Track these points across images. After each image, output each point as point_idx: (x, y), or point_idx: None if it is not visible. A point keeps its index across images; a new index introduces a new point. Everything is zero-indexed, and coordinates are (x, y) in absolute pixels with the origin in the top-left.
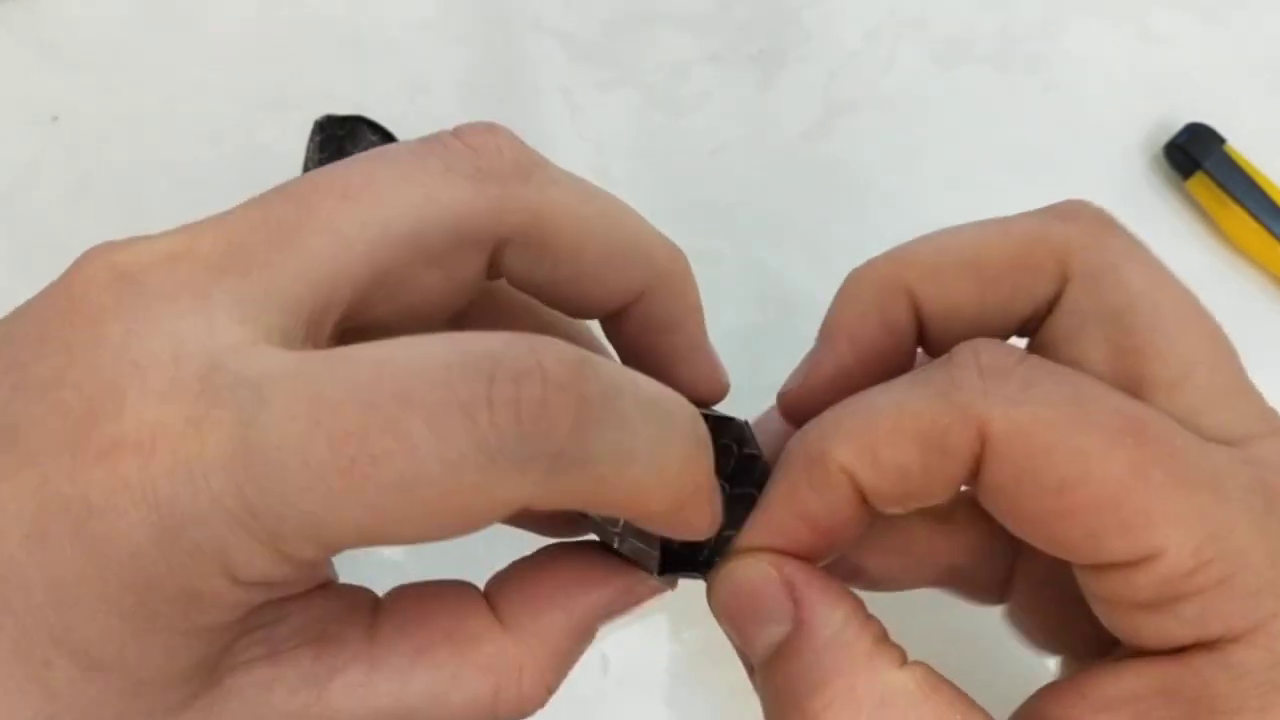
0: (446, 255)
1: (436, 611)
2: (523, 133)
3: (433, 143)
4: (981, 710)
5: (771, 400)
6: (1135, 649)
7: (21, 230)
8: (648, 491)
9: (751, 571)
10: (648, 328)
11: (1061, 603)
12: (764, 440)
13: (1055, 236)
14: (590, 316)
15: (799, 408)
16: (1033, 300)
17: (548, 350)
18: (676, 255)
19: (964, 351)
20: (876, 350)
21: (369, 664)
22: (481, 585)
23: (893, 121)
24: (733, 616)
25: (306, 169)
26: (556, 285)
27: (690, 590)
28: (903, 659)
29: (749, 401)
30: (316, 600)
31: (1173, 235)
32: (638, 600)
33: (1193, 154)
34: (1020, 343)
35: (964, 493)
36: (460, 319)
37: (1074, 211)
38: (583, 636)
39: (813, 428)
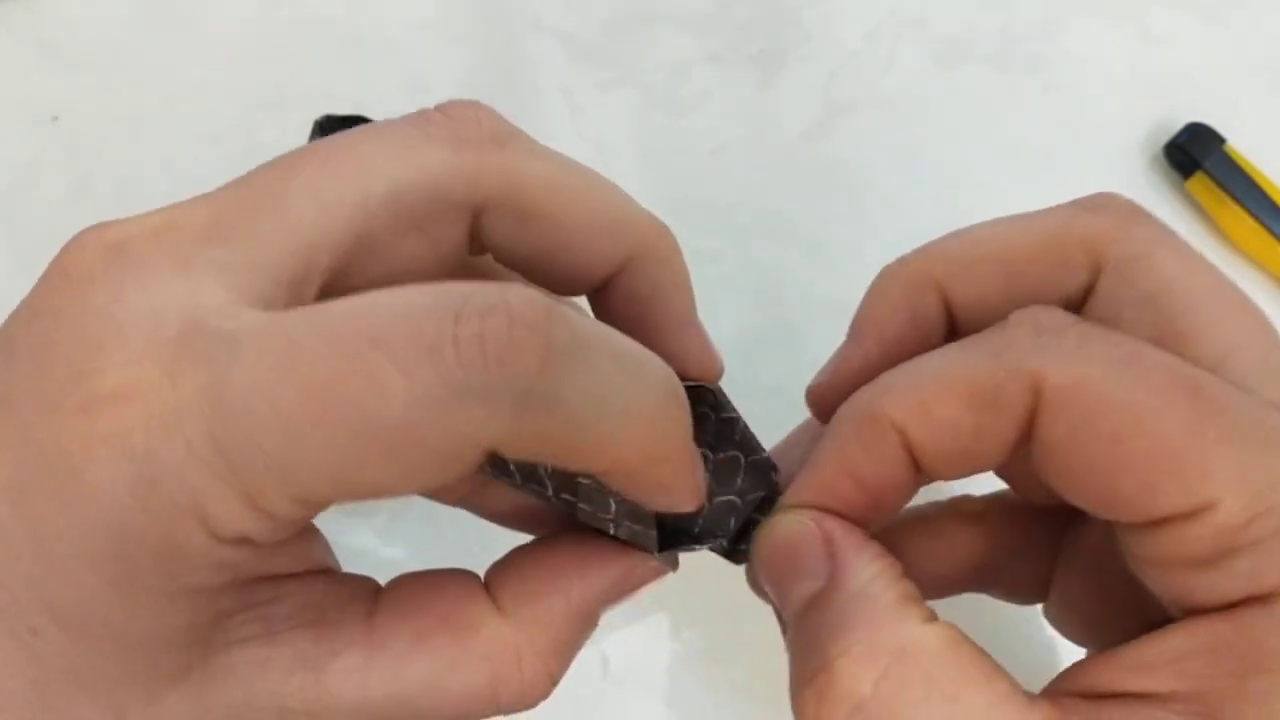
0: (427, 220)
1: (436, 599)
2: None
3: (413, 116)
4: (1005, 673)
5: (771, 400)
6: (1187, 610)
7: (21, 230)
8: (621, 440)
9: (792, 526)
10: (634, 301)
11: (1104, 596)
12: (793, 454)
13: (1085, 228)
14: (576, 292)
15: (827, 402)
16: (1063, 292)
17: (516, 292)
18: (661, 228)
19: (1018, 314)
20: (905, 345)
21: (367, 649)
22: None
23: (893, 121)
24: (772, 571)
25: None
26: (539, 256)
27: (690, 590)
28: (930, 617)
29: (749, 401)
30: (315, 584)
31: None
32: (640, 583)
33: (1193, 154)
34: None
35: (998, 494)
36: None
37: (1103, 203)
38: (584, 622)
39: (864, 391)
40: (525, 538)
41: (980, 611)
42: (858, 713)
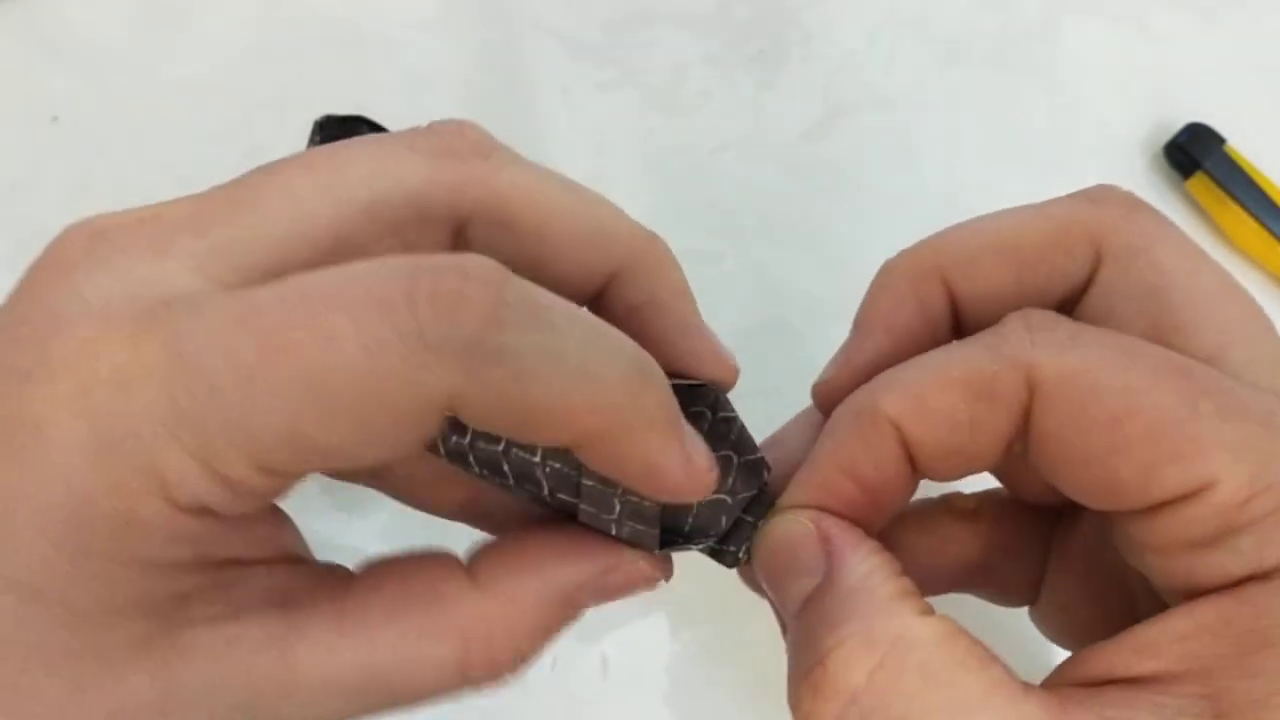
0: (407, 228)
1: (411, 575)
2: (523, 133)
3: (401, 131)
4: (1001, 662)
5: (771, 400)
6: (1189, 596)
7: (21, 230)
8: (581, 403)
9: (790, 526)
10: (631, 311)
11: (1094, 596)
12: (788, 446)
13: (1087, 218)
14: None
15: (834, 397)
16: (1067, 281)
17: (472, 257)
18: (651, 238)
19: (1011, 316)
20: (912, 338)
21: (337, 624)
22: None
23: (893, 121)
24: (771, 572)
25: None
26: (524, 268)
27: (690, 590)
28: (927, 610)
29: (749, 401)
30: (284, 570)
31: None
32: (627, 580)
33: (1193, 154)
34: None
35: (991, 491)
36: None
37: (1104, 195)
38: (561, 608)
39: (860, 390)
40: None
41: (975, 615)
42: (853, 704)
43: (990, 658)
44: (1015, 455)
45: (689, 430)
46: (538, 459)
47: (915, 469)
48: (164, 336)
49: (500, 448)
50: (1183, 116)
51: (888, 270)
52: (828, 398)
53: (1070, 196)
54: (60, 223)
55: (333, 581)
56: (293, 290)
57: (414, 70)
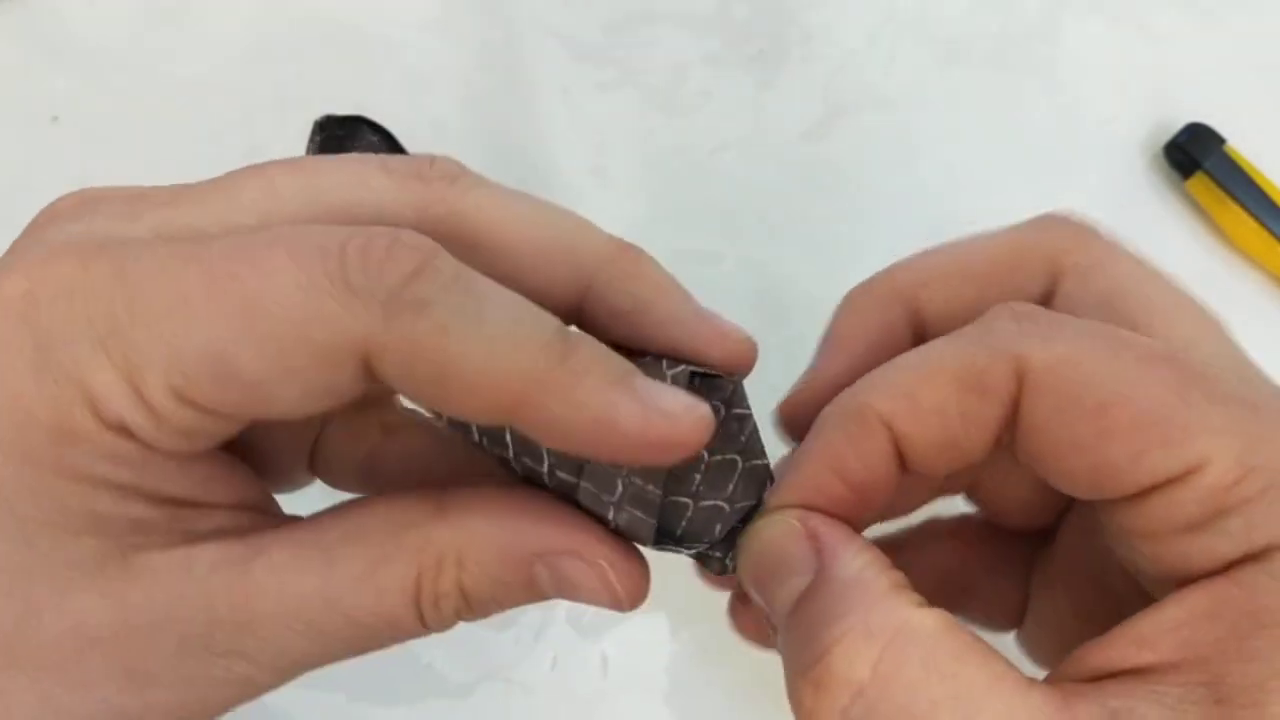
0: None
1: (378, 505)
2: (523, 133)
3: (383, 155)
4: (1001, 656)
5: (771, 401)
6: (1181, 582)
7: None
8: (503, 362)
9: (776, 529)
10: (616, 319)
11: (1079, 614)
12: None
13: (1045, 240)
14: None
15: (798, 416)
16: (1028, 299)
17: (410, 231)
18: (624, 246)
19: (995, 308)
20: (877, 357)
21: (296, 546)
22: None
23: (893, 121)
24: (759, 576)
25: None
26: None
27: (690, 590)
28: (923, 603)
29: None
30: (246, 514)
31: (1173, 235)
32: (584, 576)
33: (1193, 154)
34: None
35: (969, 515)
36: None
37: (1058, 220)
38: (515, 567)
39: (848, 390)
40: None
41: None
42: (858, 698)
43: (991, 650)
44: (994, 471)
45: (651, 382)
46: None
47: (904, 466)
48: (114, 261)
49: None
50: (1183, 116)
51: (852, 295)
52: (791, 417)
53: (1027, 222)
54: None
55: (296, 520)
56: (243, 236)
57: (414, 70)
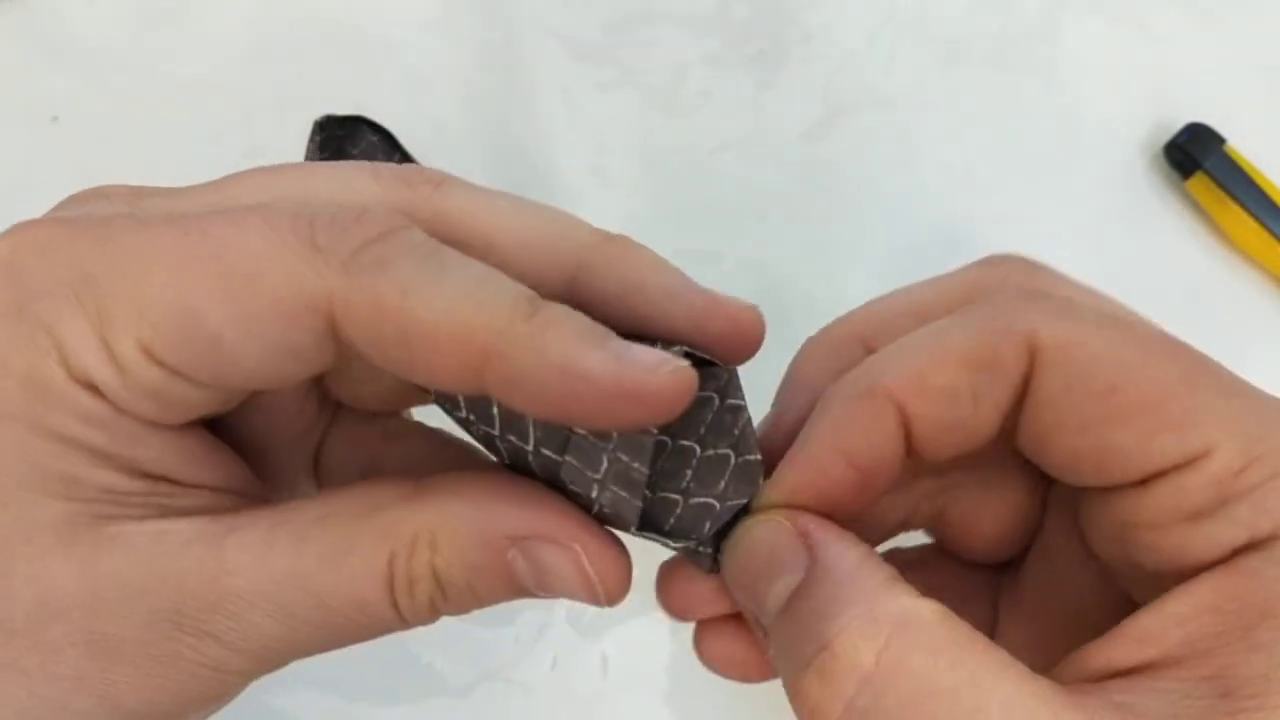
0: None
1: (355, 489)
2: (523, 133)
3: (375, 163)
4: (998, 647)
5: (770, 401)
6: (1181, 573)
7: None
8: (466, 317)
9: (765, 528)
10: (607, 303)
11: (1051, 636)
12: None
13: (990, 277)
14: None
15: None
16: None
17: (379, 208)
18: (610, 235)
19: (1002, 287)
20: None
21: (270, 525)
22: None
23: (893, 121)
24: (749, 578)
25: None
26: None
27: None
28: (920, 594)
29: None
30: (227, 496)
31: (1173, 235)
32: (557, 561)
33: (1193, 154)
34: None
35: (932, 545)
36: None
37: (1005, 257)
38: (488, 551)
39: (855, 370)
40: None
41: None
42: (865, 686)
43: (990, 642)
44: (965, 490)
45: (627, 341)
46: None
47: (910, 449)
48: (95, 226)
49: None
50: (1183, 116)
51: (808, 344)
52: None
53: (975, 262)
54: None
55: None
56: (222, 208)
57: (414, 70)
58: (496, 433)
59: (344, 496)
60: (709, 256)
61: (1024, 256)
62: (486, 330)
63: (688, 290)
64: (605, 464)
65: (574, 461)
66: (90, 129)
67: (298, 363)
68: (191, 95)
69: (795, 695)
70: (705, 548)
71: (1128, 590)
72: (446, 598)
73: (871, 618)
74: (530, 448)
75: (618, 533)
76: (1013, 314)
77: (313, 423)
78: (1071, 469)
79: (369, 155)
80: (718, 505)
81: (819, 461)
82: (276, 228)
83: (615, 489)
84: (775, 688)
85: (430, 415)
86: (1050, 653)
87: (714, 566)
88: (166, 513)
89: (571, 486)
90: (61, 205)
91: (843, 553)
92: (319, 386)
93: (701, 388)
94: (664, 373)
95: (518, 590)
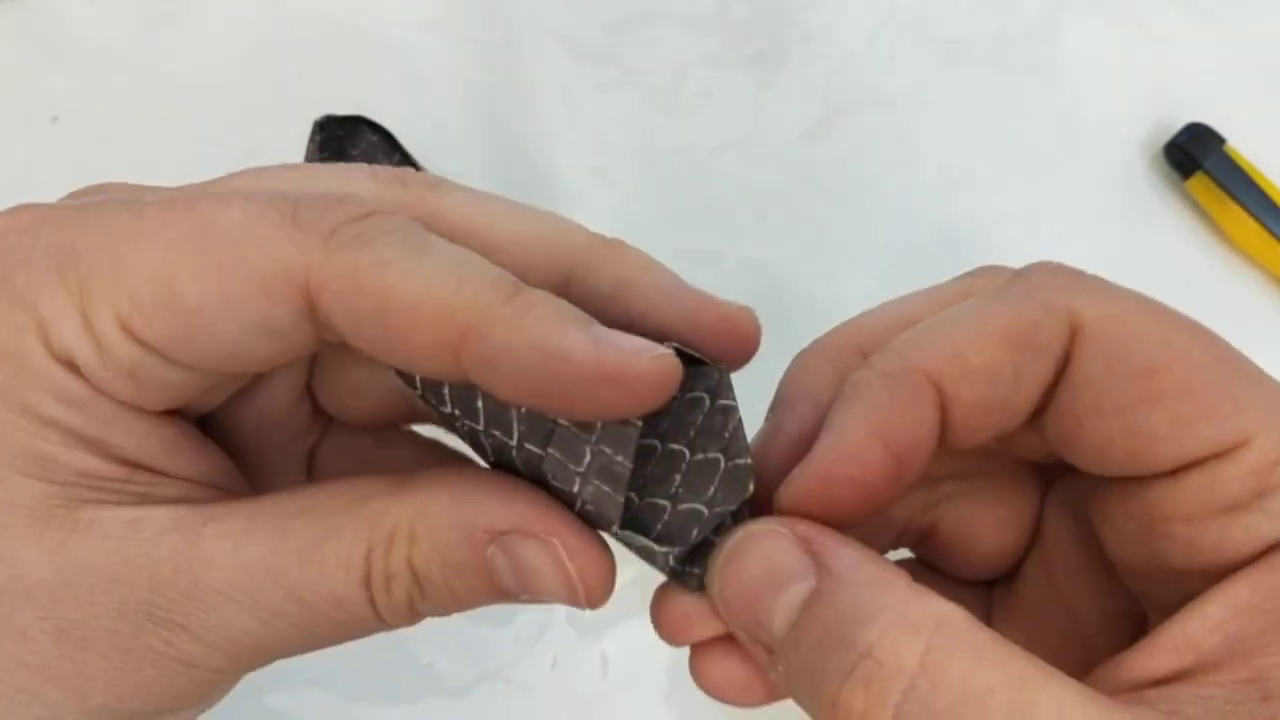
0: None
1: (340, 483)
2: (523, 132)
3: (372, 165)
4: (1029, 652)
5: (769, 402)
6: (1215, 569)
7: None
8: (444, 294)
9: (762, 539)
10: (602, 303)
11: (1048, 657)
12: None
13: (980, 287)
14: None
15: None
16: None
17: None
18: (605, 238)
19: (1032, 266)
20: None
21: (249, 516)
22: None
23: (893, 121)
24: (746, 594)
25: None
26: None
27: None
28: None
29: (746, 403)
30: (209, 490)
31: (1173, 235)
32: (536, 557)
33: (1193, 154)
34: None
35: (920, 560)
36: None
37: (994, 268)
38: (468, 546)
39: (888, 350)
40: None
41: None
42: (912, 691)
43: (1018, 646)
44: (959, 505)
45: (609, 329)
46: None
47: (946, 432)
48: (86, 208)
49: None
50: (1183, 116)
51: (803, 354)
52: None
53: (965, 274)
54: None
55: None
56: (215, 194)
57: (414, 70)
58: (481, 428)
59: (327, 490)
60: (709, 256)
61: (1005, 267)
62: (467, 310)
63: (681, 290)
64: (588, 457)
65: (556, 454)
66: (90, 129)
67: (275, 342)
68: (191, 95)
69: (834, 708)
70: (694, 567)
71: (1142, 593)
72: (424, 596)
73: (908, 620)
74: (514, 443)
75: (604, 537)
76: (1052, 291)
77: (305, 429)
78: (1101, 457)
79: (369, 155)
80: (705, 511)
81: (855, 446)
82: (259, 204)
83: (597, 483)
84: None
85: (425, 426)
86: (1047, 656)
87: (699, 584)
88: (144, 501)
89: (554, 482)
90: (61, 200)
91: (857, 557)
92: (309, 396)
93: (692, 388)
94: (646, 357)
95: (498, 591)
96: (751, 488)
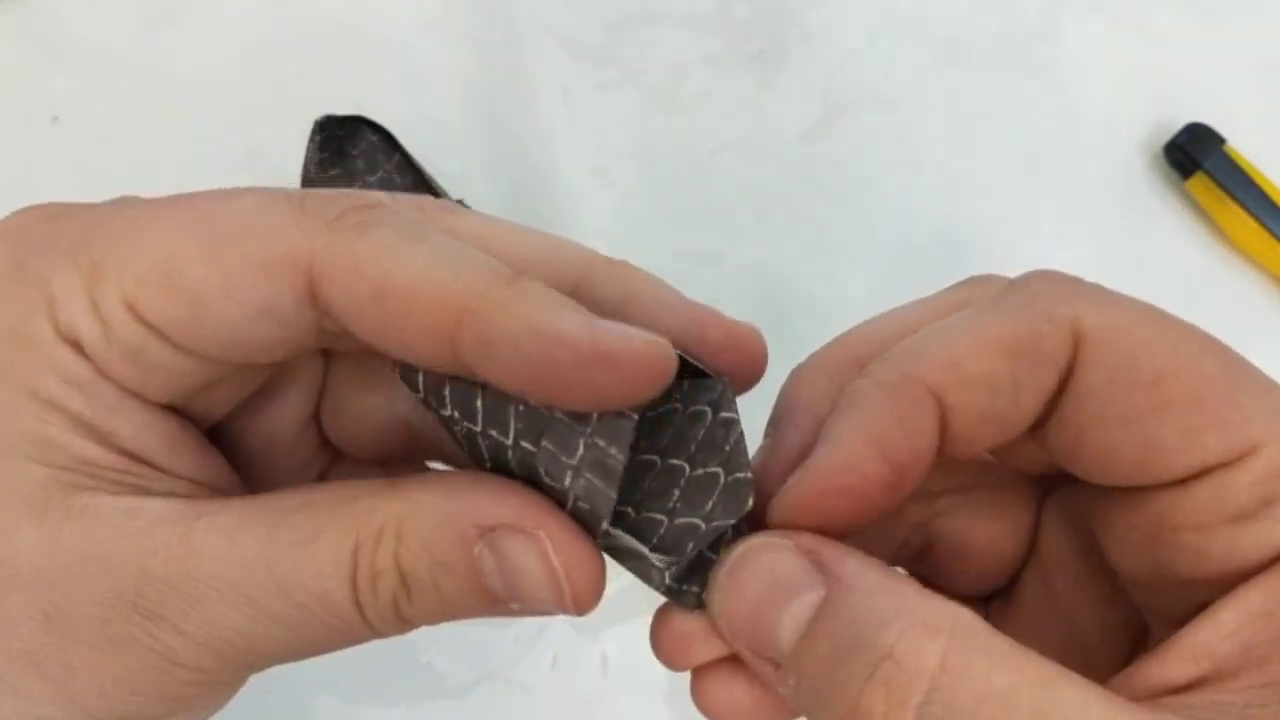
0: None
1: (335, 484)
2: (523, 133)
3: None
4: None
5: (768, 402)
6: (1225, 577)
7: None
8: (443, 278)
9: (765, 552)
10: (605, 311)
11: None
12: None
13: (977, 296)
14: None
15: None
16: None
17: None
18: (607, 258)
19: (1029, 275)
20: None
21: (243, 511)
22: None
23: (893, 121)
24: (751, 609)
25: (306, 169)
26: None
27: None
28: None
29: (745, 404)
30: (206, 489)
31: (1173, 235)
32: (524, 554)
33: (1193, 154)
34: None
35: (916, 575)
36: None
37: (988, 278)
38: (457, 543)
39: (887, 359)
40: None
41: None
42: (934, 691)
43: (1035, 652)
44: (955, 519)
45: (597, 316)
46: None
47: (945, 443)
48: (102, 204)
49: (480, 384)
50: (1183, 116)
51: (801, 367)
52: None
53: (958, 283)
54: None
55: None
56: (227, 190)
57: (414, 70)
58: (479, 429)
59: (320, 489)
60: (709, 256)
61: (998, 276)
62: (464, 294)
63: (686, 303)
64: (581, 449)
65: (550, 446)
66: (90, 129)
67: (277, 328)
68: (191, 95)
69: (854, 713)
70: (691, 585)
71: (1145, 603)
72: (411, 597)
73: (926, 623)
74: (510, 442)
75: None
76: (1054, 299)
77: (310, 458)
78: (1106, 467)
79: (369, 155)
80: (703, 525)
81: (853, 456)
82: (270, 195)
83: (590, 476)
84: None
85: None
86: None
87: (696, 602)
88: (140, 492)
89: (547, 480)
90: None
91: (864, 564)
92: (317, 425)
93: (696, 400)
94: (640, 340)
95: (485, 594)
96: (751, 502)
